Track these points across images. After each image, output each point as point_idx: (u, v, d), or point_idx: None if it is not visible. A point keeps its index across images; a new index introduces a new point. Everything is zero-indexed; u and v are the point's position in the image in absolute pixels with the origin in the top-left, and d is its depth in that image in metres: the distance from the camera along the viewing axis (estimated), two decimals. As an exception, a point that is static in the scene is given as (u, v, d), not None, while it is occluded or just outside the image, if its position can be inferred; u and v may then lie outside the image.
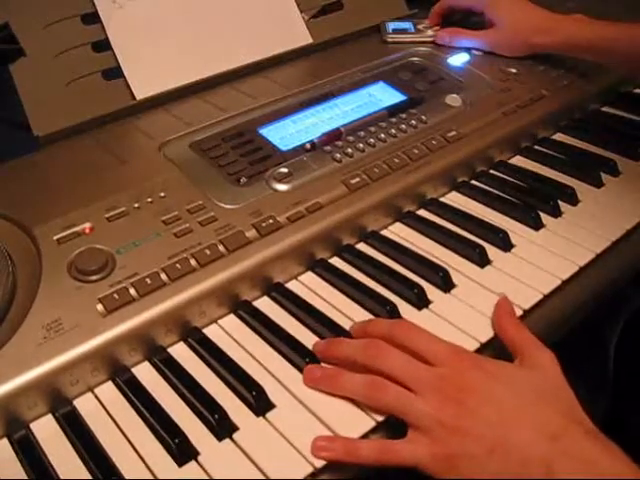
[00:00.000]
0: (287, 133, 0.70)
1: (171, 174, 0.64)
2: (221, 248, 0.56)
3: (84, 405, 0.49)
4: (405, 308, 0.56)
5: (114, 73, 0.73)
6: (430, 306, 0.56)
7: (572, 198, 0.68)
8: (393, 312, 0.55)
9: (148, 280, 0.53)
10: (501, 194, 0.69)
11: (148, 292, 0.52)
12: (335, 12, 0.90)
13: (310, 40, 0.86)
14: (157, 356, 0.52)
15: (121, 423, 0.47)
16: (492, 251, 0.61)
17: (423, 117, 0.73)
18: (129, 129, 0.73)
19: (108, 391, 0.50)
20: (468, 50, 0.87)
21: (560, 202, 0.67)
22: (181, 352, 0.53)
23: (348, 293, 0.58)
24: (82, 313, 0.50)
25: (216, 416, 0.46)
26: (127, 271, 0.54)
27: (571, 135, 0.79)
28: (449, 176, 0.70)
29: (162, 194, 0.61)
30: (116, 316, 0.51)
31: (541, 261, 0.60)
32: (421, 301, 0.56)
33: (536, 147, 0.77)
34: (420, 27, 0.91)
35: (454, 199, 0.69)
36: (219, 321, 0.56)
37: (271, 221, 0.59)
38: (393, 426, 0.46)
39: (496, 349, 0.52)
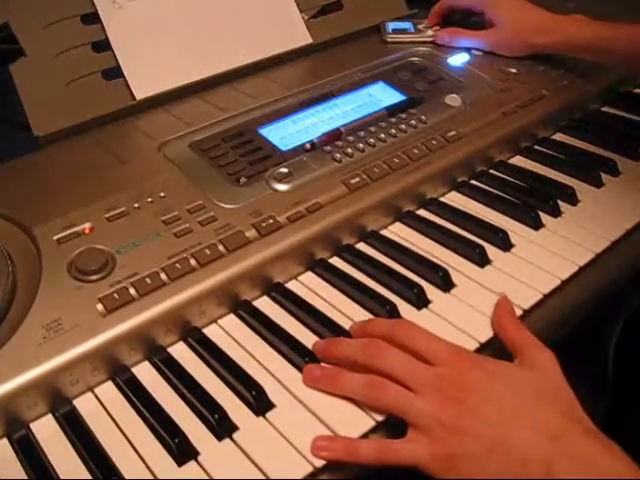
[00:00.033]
0: (287, 133, 0.70)
1: (171, 174, 0.64)
2: (221, 248, 0.56)
3: (84, 405, 0.49)
4: (405, 308, 0.56)
5: (114, 73, 0.73)
6: (430, 306, 0.56)
7: (572, 198, 0.68)
8: (393, 312, 0.55)
9: (148, 280, 0.53)
10: (501, 194, 0.69)
11: (148, 292, 0.52)
12: (335, 12, 0.90)
13: (310, 40, 0.86)
14: (157, 356, 0.52)
15: (121, 423, 0.47)
16: (492, 251, 0.61)
17: (423, 117, 0.73)
18: (129, 129, 0.73)
19: (108, 391, 0.50)
20: (468, 50, 0.87)
21: (560, 202, 0.67)
22: (181, 352, 0.53)
23: (348, 293, 0.58)
24: (82, 313, 0.50)
25: (216, 416, 0.46)
26: (127, 271, 0.54)
27: (571, 135, 0.79)
28: (449, 176, 0.70)
29: (162, 194, 0.61)
30: (116, 316, 0.51)
31: (541, 261, 0.60)
32: (421, 301, 0.56)
33: (536, 147, 0.77)
34: (420, 27, 0.91)
35: (454, 199, 0.69)
36: (219, 321, 0.56)
37: (271, 221, 0.59)
38: (393, 426, 0.46)
39: (496, 349, 0.52)
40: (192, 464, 0.44)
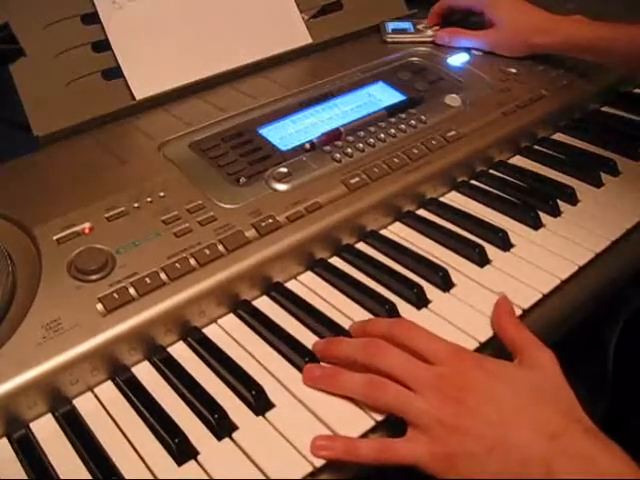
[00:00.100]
0: (287, 133, 0.70)
1: (171, 174, 0.64)
2: (220, 248, 0.56)
3: (84, 405, 0.49)
4: (404, 307, 0.56)
5: (114, 73, 0.73)
6: (429, 305, 0.56)
7: (572, 198, 0.68)
8: (392, 311, 0.55)
9: (148, 280, 0.53)
10: (501, 194, 0.69)
11: (148, 292, 0.52)
12: (335, 12, 0.90)
13: (310, 40, 0.86)
14: (157, 356, 0.52)
15: (121, 423, 0.47)
16: (492, 251, 0.61)
17: (422, 117, 0.73)
18: (129, 129, 0.73)
19: (108, 391, 0.50)
20: (468, 50, 0.87)
21: (560, 202, 0.67)
22: (181, 352, 0.53)
23: (348, 293, 0.58)
24: (82, 313, 0.50)
25: (216, 416, 0.46)
26: (127, 271, 0.54)
27: (571, 135, 0.80)
28: (449, 176, 0.70)
29: (162, 194, 0.61)
30: (116, 315, 0.51)
31: (540, 261, 0.60)
32: (420, 301, 0.56)
33: (536, 147, 0.77)
34: (420, 27, 0.91)
35: (454, 199, 0.69)
36: (219, 321, 0.56)
37: (270, 221, 0.59)
38: (393, 425, 0.46)
39: (495, 349, 0.52)
40: (192, 464, 0.44)
